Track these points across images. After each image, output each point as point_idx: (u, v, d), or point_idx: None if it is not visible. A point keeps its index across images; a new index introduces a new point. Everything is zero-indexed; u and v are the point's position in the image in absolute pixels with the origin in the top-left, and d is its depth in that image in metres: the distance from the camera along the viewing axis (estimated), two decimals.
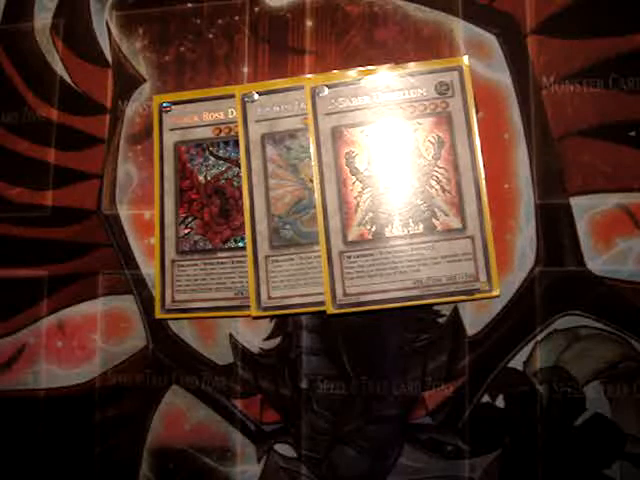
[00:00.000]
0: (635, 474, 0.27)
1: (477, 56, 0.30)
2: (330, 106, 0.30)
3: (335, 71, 0.31)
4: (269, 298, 0.30)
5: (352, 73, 0.30)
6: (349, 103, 0.30)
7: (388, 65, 0.30)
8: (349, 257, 0.29)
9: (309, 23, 0.32)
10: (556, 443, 0.27)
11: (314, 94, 0.30)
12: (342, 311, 0.29)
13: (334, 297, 0.29)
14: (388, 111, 0.30)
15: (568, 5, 0.30)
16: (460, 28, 0.30)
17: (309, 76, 0.31)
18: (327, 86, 0.30)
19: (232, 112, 0.31)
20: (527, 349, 0.28)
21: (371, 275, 0.29)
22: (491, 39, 0.30)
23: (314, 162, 0.30)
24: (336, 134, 0.30)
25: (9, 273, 0.33)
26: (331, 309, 0.29)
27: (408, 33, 0.31)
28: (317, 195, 0.30)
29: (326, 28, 0.32)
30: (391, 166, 0.30)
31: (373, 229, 0.29)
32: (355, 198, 0.30)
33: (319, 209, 0.30)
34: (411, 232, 0.29)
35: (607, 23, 0.29)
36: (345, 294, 0.29)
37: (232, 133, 0.31)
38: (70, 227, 0.33)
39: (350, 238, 0.29)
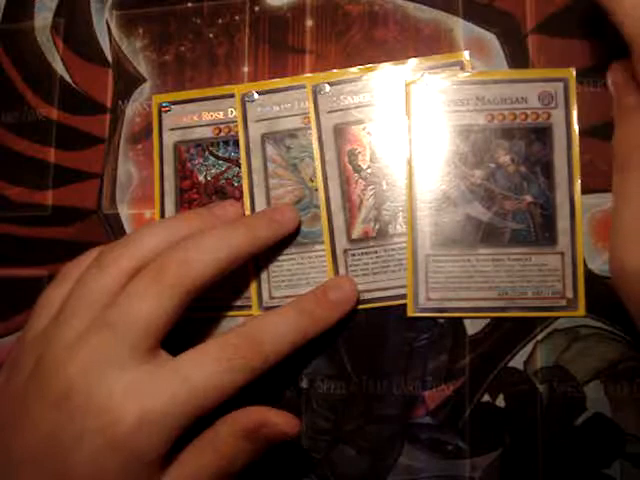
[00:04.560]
0: (635, 474, 0.27)
1: (477, 55, 0.30)
2: (332, 104, 0.30)
3: (335, 70, 0.31)
4: (271, 298, 0.30)
5: (354, 70, 0.30)
6: (351, 100, 0.30)
7: (391, 62, 0.30)
8: (353, 255, 0.29)
9: (309, 22, 0.32)
10: (556, 443, 0.27)
11: (315, 92, 0.30)
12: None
13: None
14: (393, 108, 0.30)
15: (568, 5, 0.30)
16: (460, 27, 0.30)
17: (310, 75, 0.31)
18: (329, 84, 0.30)
19: (232, 112, 0.31)
20: (527, 349, 0.28)
21: (375, 272, 0.29)
22: (491, 39, 0.30)
23: (317, 160, 0.30)
24: (338, 132, 0.30)
25: (9, 273, 0.33)
26: None
27: (408, 32, 0.31)
28: (320, 193, 0.30)
29: (326, 27, 0.32)
30: (393, 163, 0.30)
31: (377, 226, 0.29)
32: (358, 196, 0.30)
33: (323, 207, 0.30)
34: None
35: (608, 22, 0.29)
36: None
37: (232, 133, 0.31)
38: (70, 227, 0.33)
39: (354, 236, 0.30)
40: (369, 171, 0.30)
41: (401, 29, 0.31)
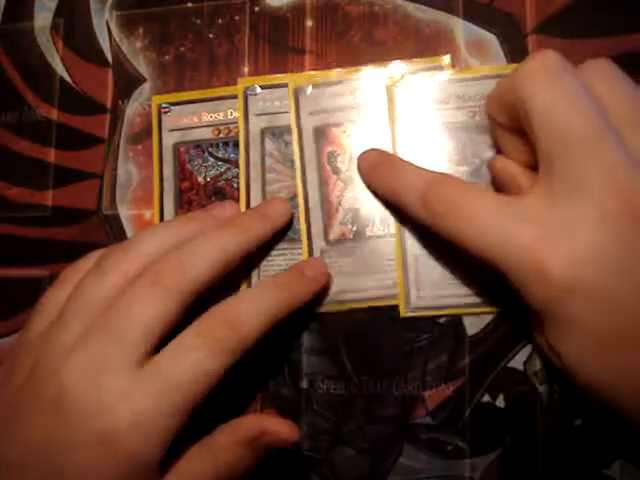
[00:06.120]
0: (635, 474, 0.27)
1: (477, 56, 0.30)
2: (314, 105, 0.30)
3: (313, 72, 0.31)
4: None
5: (336, 72, 0.31)
6: (332, 102, 0.30)
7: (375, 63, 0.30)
8: (330, 256, 0.29)
9: (309, 23, 0.32)
10: (556, 443, 0.27)
11: (297, 93, 0.30)
12: (325, 310, 0.29)
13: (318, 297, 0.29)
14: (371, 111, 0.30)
15: (568, 5, 0.30)
16: (460, 28, 0.30)
17: (292, 74, 0.31)
18: (311, 85, 0.30)
19: (231, 112, 0.31)
20: (527, 349, 0.28)
21: (352, 274, 0.29)
22: (491, 39, 0.30)
23: (296, 161, 0.30)
24: (319, 133, 0.30)
25: (9, 273, 0.33)
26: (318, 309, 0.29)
27: (408, 33, 0.31)
28: (299, 193, 0.30)
29: (326, 27, 0.32)
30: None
31: (354, 228, 0.29)
32: (337, 197, 0.30)
33: (301, 208, 0.30)
34: (391, 231, 0.29)
35: (608, 22, 0.29)
36: (327, 293, 0.29)
37: (232, 134, 0.31)
38: (70, 227, 0.33)
39: (331, 237, 0.30)
40: (347, 173, 0.30)
41: (401, 29, 0.31)
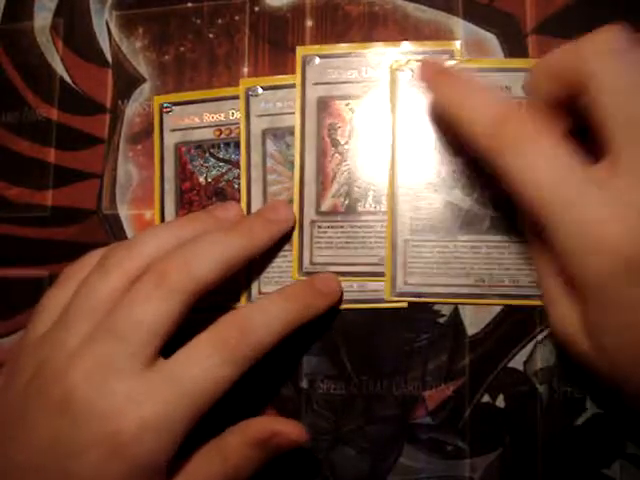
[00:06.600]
0: (635, 474, 0.27)
1: (477, 55, 0.30)
2: (319, 76, 0.31)
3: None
4: (260, 293, 0.30)
5: (344, 46, 0.31)
6: (338, 75, 0.30)
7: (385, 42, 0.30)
8: (319, 227, 0.30)
9: (309, 23, 0.32)
10: (556, 443, 0.27)
11: (305, 63, 0.31)
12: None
13: (301, 265, 0.30)
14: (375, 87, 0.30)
15: (568, 5, 0.30)
16: (460, 28, 0.30)
17: (304, 47, 0.31)
18: (319, 56, 0.31)
19: (233, 113, 0.31)
20: (527, 349, 0.28)
21: (339, 247, 0.30)
22: (491, 39, 0.30)
23: (297, 130, 0.30)
24: (322, 104, 0.30)
25: (9, 273, 0.33)
26: (296, 276, 0.30)
27: (408, 33, 0.31)
28: (296, 162, 0.30)
29: (326, 28, 0.32)
30: (371, 142, 0.30)
31: (346, 202, 0.30)
32: (332, 170, 0.30)
33: (296, 177, 0.30)
34: (382, 209, 0.29)
35: (608, 22, 0.29)
36: (312, 262, 0.30)
37: (233, 134, 0.31)
38: (70, 227, 0.33)
39: (323, 208, 0.30)
40: (346, 147, 0.30)
41: (401, 29, 0.31)
